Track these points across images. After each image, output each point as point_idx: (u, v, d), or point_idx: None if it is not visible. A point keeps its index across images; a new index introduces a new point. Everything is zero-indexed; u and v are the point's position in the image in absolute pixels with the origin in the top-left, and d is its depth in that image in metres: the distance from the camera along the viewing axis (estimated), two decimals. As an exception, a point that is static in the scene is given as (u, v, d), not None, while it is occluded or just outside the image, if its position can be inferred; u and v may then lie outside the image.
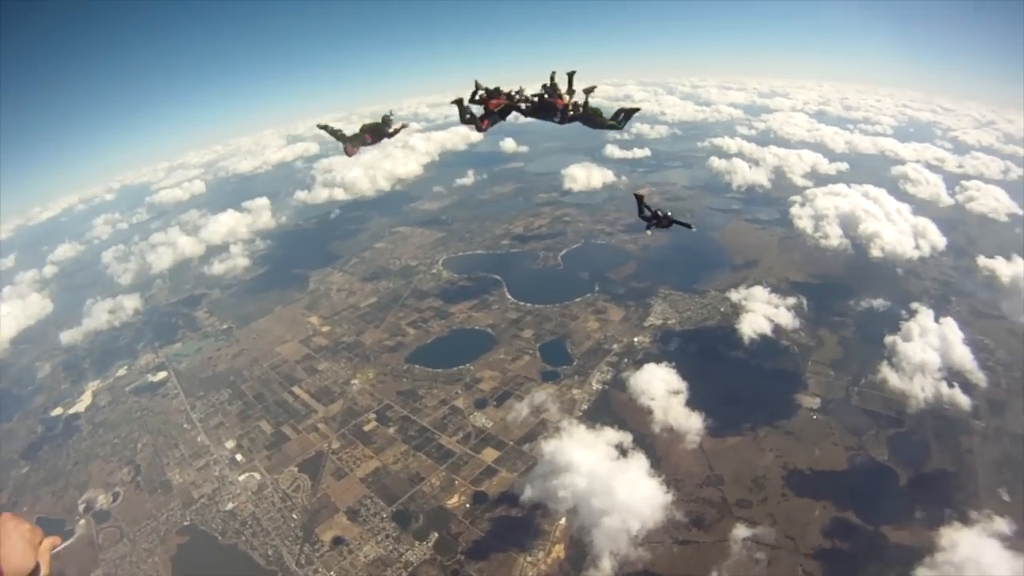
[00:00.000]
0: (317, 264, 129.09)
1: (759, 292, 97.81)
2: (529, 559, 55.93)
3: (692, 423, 69.90)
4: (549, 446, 65.48)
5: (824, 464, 65.44)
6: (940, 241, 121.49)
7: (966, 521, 57.36)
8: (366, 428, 75.65)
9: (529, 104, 16.50)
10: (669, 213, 19.69)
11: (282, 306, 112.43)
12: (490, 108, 16.53)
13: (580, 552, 55.93)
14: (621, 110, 16.10)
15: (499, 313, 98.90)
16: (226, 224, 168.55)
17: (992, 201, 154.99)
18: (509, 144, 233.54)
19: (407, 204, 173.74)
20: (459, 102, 16.82)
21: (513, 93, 16.63)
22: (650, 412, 71.73)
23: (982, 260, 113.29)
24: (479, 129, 16.68)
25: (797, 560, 54.42)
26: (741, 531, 56.90)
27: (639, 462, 63.50)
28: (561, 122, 16.50)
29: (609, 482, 58.64)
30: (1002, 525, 56.71)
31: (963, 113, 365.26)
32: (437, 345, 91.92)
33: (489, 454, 69.01)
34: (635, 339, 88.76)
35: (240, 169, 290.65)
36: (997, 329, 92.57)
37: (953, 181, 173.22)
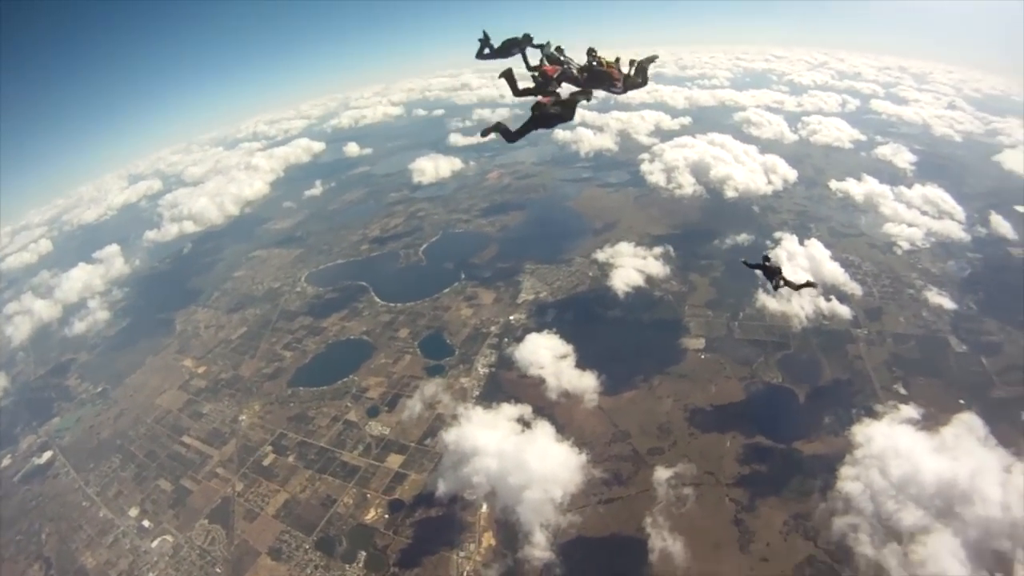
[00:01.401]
0: (180, 304, 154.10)
1: (625, 248, 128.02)
2: (462, 554, 70.04)
3: (586, 383, 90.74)
4: (451, 436, 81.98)
5: (723, 399, 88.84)
6: (791, 174, 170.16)
7: (874, 416, 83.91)
8: (265, 463, 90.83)
9: (584, 73, 21.79)
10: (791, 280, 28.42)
11: (153, 355, 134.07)
12: (548, 75, 21.36)
13: (510, 533, 70.47)
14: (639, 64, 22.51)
15: (371, 318, 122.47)
16: (79, 279, 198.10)
17: (834, 131, 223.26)
18: (352, 148, 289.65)
19: (259, 226, 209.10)
20: (508, 73, 21.75)
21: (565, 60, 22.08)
22: (542, 381, 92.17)
23: (834, 184, 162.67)
24: (540, 104, 21.21)
25: (721, 492, 74.42)
26: (663, 473, 75.71)
27: (544, 430, 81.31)
28: (621, 92, 22.53)
29: (520, 456, 74.79)
30: (909, 411, 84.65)
31: (795, 59, 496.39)
32: (316, 363, 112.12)
33: (394, 460, 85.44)
34: (511, 317, 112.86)
35: (85, 219, 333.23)
36: (859, 245, 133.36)
37: (794, 119, 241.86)
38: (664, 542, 68.65)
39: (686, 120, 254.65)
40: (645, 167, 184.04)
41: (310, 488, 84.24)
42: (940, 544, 67.43)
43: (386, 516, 77.05)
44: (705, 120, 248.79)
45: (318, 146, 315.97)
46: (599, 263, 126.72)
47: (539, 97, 21.79)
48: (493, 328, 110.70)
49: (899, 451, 76.77)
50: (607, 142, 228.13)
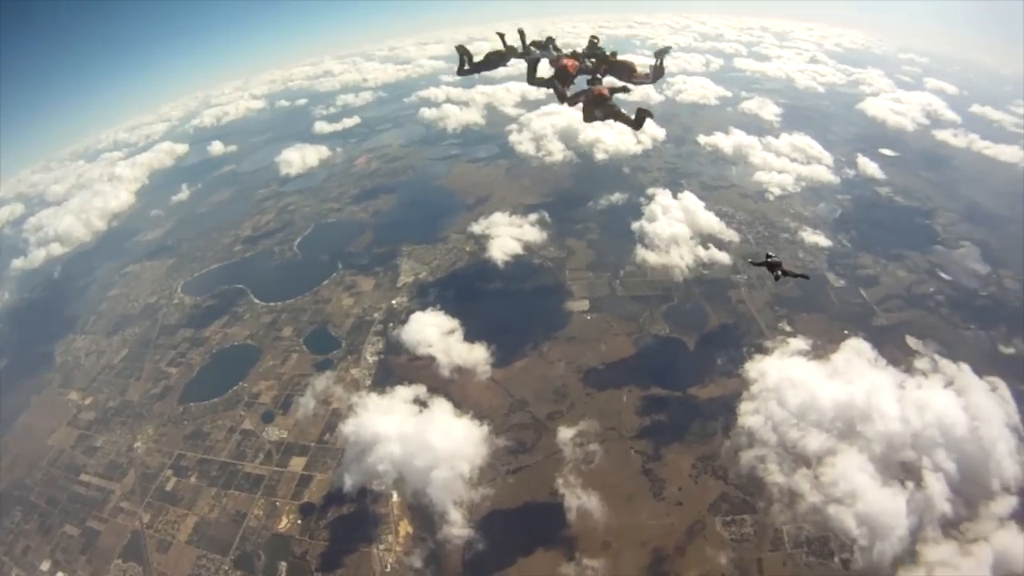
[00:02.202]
0: (58, 334, 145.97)
1: (499, 218, 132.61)
2: (382, 547, 71.53)
3: (477, 356, 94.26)
4: (349, 428, 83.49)
5: (614, 356, 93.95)
6: (659, 133, 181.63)
7: (764, 352, 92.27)
8: (168, 487, 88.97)
9: (604, 65, 23.46)
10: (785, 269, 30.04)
11: (37, 393, 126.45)
12: (569, 70, 22.62)
13: (426, 517, 72.39)
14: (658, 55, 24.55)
15: (253, 321, 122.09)
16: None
17: (699, 90, 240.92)
18: (217, 147, 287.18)
19: (129, 239, 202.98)
20: (533, 67, 24.39)
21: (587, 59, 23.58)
22: (433, 359, 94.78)
23: (703, 139, 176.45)
24: (567, 101, 23.22)
25: (626, 445, 79.39)
26: (566, 433, 79.92)
27: (442, 408, 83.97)
28: (646, 83, 24.46)
29: (422, 437, 76.88)
30: (798, 343, 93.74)
31: (658, 24, 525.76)
32: (204, 375, 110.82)
33: (297, 463, 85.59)
34: (393, 302, 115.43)
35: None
36: (731, 195, 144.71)
37: (660, 81, 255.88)
38: (579, 500, 72.36)
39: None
40: (514, 138, 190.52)
41: (218, 506, 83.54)
42: (848, 463, 74.78)
43: (299, 522, 77.48)
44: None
45: (181, 148, 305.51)
46: (475, 236, 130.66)
47: (595, 88, 23.30)
48: (376, 315, 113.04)
49: (794, 381, 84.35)
50: (474, 116, 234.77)
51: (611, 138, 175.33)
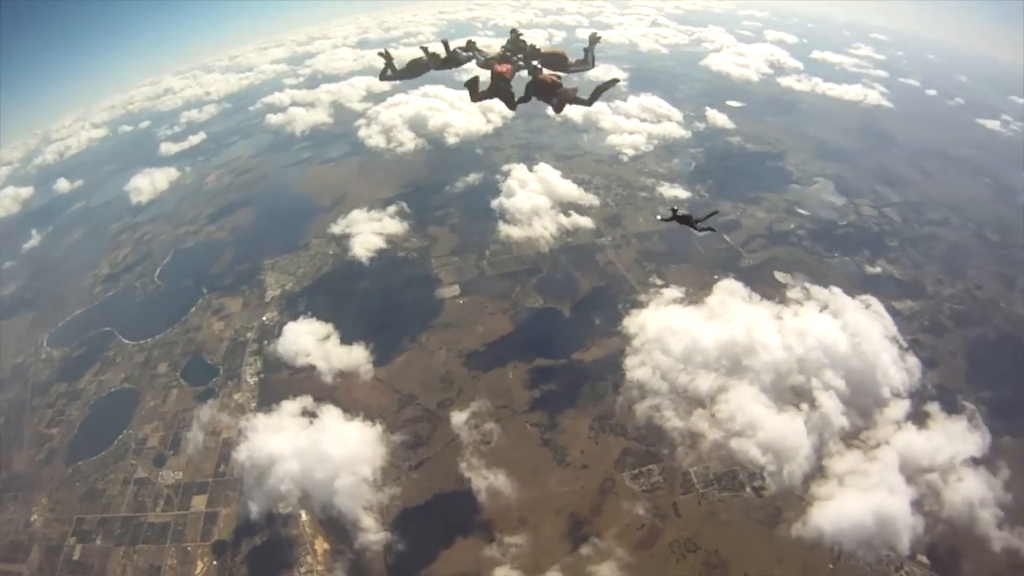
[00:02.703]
0: None
1: (358, 215, 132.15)
2: (303, 570, 70.24)
3: (357, 357, 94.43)
4: (242, 454, 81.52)
5: (493, 335, 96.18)
6: (507, 111, 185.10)
7: (640, 306, 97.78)
8: (76, 557, 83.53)
9: (534, 60, 24.33)
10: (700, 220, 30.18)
11: None
12: (504, 75, 23.08)
13: (339, 529, 71.87)
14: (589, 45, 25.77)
15: (126, 363, 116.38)
16: None
17: None
18: (63, 185, 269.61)
19: None
20: (473, 84, 24.31)
21: (514, 55, 24.49)
22: (313, 368, 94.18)
23: (551, 111, 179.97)
24: (518, 102, 24.01)
25: (521, 420, 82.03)
26: (459, 417, 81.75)
27: (331, 415, 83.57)
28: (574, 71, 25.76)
29: (317, 448, 76.46)
30: (672, 292, 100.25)
31: (499, 3, 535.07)
32: (86, 429, 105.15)
33: (199, 501, 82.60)
34: (264, 318, 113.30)
35: None
36: (586, 162, 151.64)
37: None
38: (486, 481, 74.25)
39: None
40: (363, 133, 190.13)
41: (130, 565, 79.78)
42: (741, 397, 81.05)
43: (215, 563, 75.24)
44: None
45: (26, 191, 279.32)
46: (337, 238, 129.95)
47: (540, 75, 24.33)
48: (249, 334, 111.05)
49: (673, 329, 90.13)
50: (321, 116, 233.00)
51: (460, 121, 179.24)
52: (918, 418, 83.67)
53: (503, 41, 27.25)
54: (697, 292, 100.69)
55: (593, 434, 79.56)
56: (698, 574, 65.94)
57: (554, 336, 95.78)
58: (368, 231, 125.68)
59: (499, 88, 24.29)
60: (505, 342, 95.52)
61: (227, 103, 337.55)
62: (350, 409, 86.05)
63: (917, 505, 73.36)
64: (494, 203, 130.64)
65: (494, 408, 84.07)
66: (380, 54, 27.85)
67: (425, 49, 27.91)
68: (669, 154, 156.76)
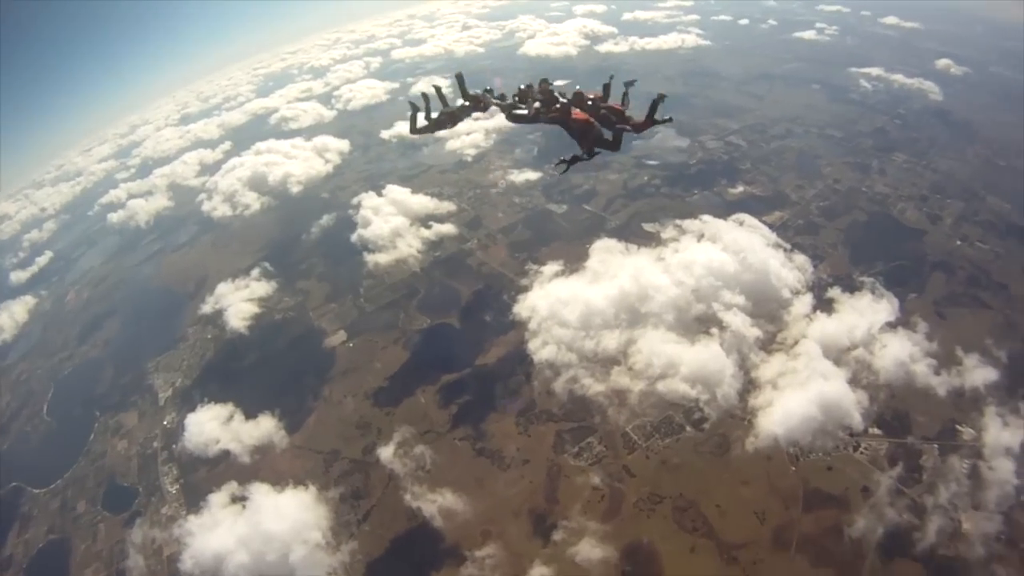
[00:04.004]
0: None
1: (224, 288, 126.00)
2: None
3: (266, 428, 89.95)
4: (187, 564, 75.34)
5: (392, 368, 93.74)
6: (343, 145, 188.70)
7: (525, 290, 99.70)
8: None
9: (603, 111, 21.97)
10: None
11: None
12: (591, 125, 21.06)
13: None
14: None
15: (44, 513, 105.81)
16: None
17: (368, 92, 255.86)
18: None
19: None
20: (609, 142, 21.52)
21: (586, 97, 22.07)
22: (227, 452, 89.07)
23: (385, 134, 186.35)
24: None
25: (446, 440, 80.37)
26: (387, 451, 79.68)
27: (260, 492, 79.02)
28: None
29: (259, 530, 72.26)
30: (551, 268, 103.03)
31: (310, 47, 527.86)
32: None
33: None
34: (164, 423, 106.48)
35: None
36: (432, 176, 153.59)
37: (327, 98, 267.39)
38: (435, 503, 72.78)
39: (227, 145, 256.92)
40: (207, 207, 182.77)
41: None
42: (650, 341, 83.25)
43: None
44: (244, 137, 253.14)
45: None
46: (210, 318, 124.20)
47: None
48: (155, 443, 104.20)
49: (564, 300, 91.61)
50: (162, 202, 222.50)
51: (299, 169, 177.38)
52: (824, 306, 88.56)
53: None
54: (574, 263, 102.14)
55: (522, 428, 78.98)
56: (673, 521, 66.75)
57: (452, 349, 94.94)
58: (238, 301, 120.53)
59: (587, 137, 22.19)
60: (406, 370, 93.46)
61: (65, 214, 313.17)
62: (277, 482, 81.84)
63: (854, 382, 77.52)
64: (353, 237, 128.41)
65: (419, 434, 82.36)
66: (421, 97, 25.30)
67: (467, 93, 25.58)
68: (510, 145, 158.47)
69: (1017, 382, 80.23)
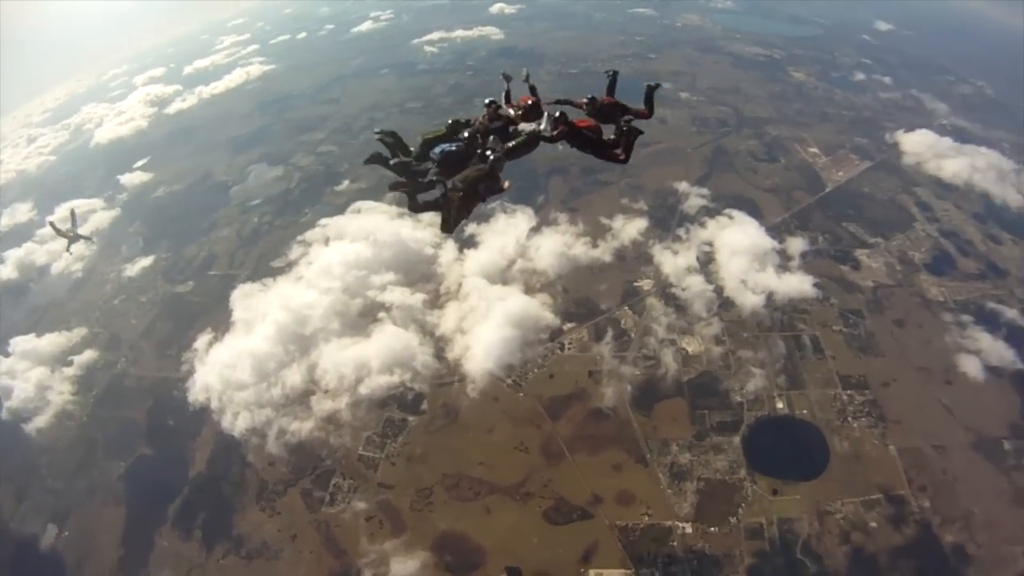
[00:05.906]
0: None
1: None
2: None
3: None
4: None
5: (117, 531, 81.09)
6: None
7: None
8: None
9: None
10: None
11: None
12: (595, 130, 20.61)
13: None
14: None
15: None
16: None
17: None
18: None
19: None
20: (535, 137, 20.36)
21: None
22: None
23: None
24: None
25: (211, 566, 72.66)
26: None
27: None
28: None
29: None
30: (205, 337, 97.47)
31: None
32: None
33: None
34: None
35: None
36: (54, 314, 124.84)
37: None
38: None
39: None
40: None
41: None
42: (330, 355, 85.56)
43: None
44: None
45: None
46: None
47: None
48: None
49: (230, 363, 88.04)
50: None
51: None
52: (467, 243, 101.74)
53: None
54: (223, 324, 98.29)
55: (268, 510, 75.58)
56: (454, 500, 70.70)
57: (160, 477, 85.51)
58: None
59: (595, 144, 22.17)
60: (132, 526, 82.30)
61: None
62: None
63: (529, 290, 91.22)
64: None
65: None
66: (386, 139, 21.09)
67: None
68: (114, 247, 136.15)
69: (660, 222, 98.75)
